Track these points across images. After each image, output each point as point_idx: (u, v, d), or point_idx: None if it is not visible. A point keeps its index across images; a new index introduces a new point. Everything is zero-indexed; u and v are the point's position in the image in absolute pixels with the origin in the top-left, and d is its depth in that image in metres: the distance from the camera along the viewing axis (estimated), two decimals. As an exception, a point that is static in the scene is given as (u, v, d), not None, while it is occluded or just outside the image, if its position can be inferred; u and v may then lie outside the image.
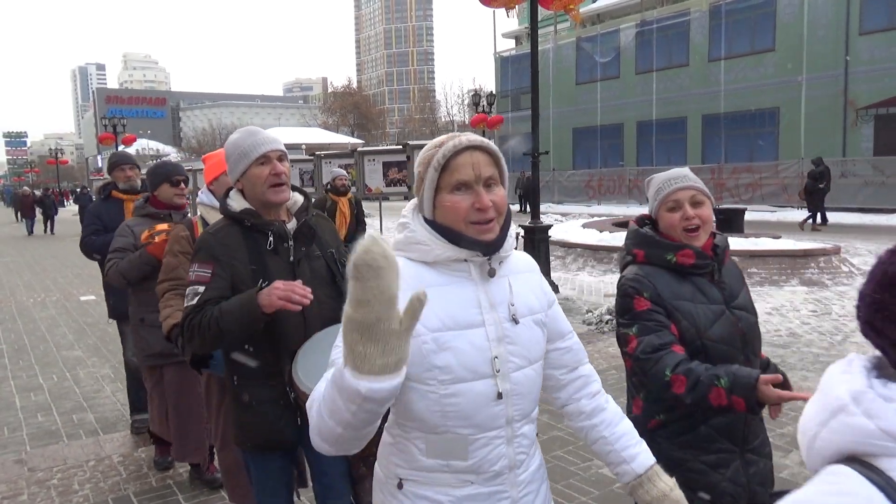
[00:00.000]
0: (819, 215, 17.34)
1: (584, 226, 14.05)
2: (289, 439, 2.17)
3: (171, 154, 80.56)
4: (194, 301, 2.04)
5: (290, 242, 2.15)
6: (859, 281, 9.20)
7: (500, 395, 1.37)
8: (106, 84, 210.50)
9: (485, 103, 27.36)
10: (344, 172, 7.71)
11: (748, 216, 15.17)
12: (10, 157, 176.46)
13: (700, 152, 26.20)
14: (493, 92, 31.00)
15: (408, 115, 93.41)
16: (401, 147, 12.55)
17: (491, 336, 1.38)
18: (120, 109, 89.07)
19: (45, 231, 24.74)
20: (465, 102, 51.82)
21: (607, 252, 11.14)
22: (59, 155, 50.45)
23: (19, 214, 29.68)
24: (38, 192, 30.11)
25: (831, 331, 6.74)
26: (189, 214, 3.55)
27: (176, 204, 3.67)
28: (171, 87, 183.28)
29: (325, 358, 1.68)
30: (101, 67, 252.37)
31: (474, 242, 1.38)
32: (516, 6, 9.45)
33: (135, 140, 41.23)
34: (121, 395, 5.40)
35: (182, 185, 3.67)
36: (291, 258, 2.14)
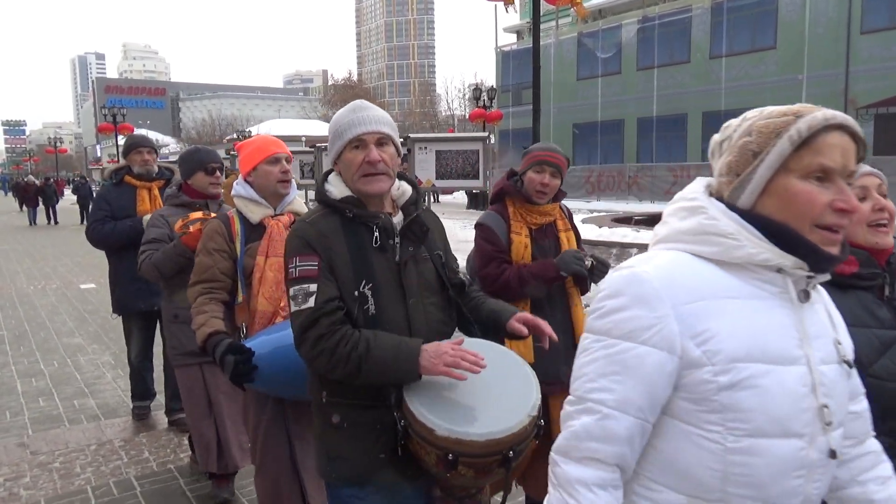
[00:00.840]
0: None
1: (584, 221, 14.09)
2: (386, 472, 1.78)
3: (171, 144, 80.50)
4: (310, 303, 1.68)
5: (397, 240, 1.81)
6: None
7: (814, 464, 1.06)
8: (105, 74, 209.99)
9: (485, 98, 27.36)
10: None
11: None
12: (9, 146, 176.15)
13: (700, 149, 26.22)
14: (494, 86, 31.00)
15: (408, 109, 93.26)
16: (402, 140, 12.59)
17: (808, 380, 1.05)
18: (119, 99, 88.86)
19: (49, 221, 24.16)
20: (466, 97, 51.77)
21: (606, 247, 11.19)
22: (58, 144, 50.46)
23: (22, 205, 28.59)
24: (37, 182, 28.79)
25: (827, 327, 6.79)
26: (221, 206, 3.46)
27: (211, 193, 3.41)
28: (171, 78, 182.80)
29: (443, 384, 1.65)
30: (100, 57, 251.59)
31: (815, 252, 1.04)
32: (516, 0, 9.47)
33: (133, 130, 41.17)
34: (122, 381, 5.44)
35: (217, 172, 3.40)
36: (398, 258, 1.81)
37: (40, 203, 24.72)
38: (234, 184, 2.63)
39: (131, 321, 4.44)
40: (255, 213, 2.57)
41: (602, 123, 29.31)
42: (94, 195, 4.47)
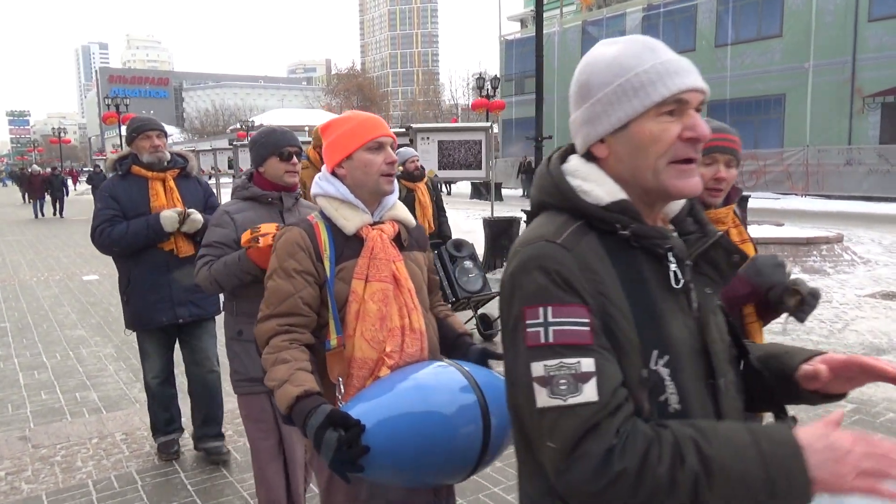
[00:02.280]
0: None
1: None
2: None
3: (175, 135, 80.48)
4: (587, 395, 0.95)
5: (687, 276, 1.11)
6: (861, 269, 9.23)
7: None
8: (109, 63, 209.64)
9: (489, 87, 27.22)
10: (415, 152, 6.16)
11: (751, 203, 15.14)
12: (14, 136, 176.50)
13: (705, 138, 26.07)
14: (498, 76, 30.84)
15: (412, 98, 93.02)
16: (404, 130, 12.51)
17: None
18: (123, 89, 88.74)
19: (55, 214, 23.05)
20: (470, 86, 51.56)
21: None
22: (62, 134, 50.45)
23: (27, 196, 27.16)
24: (41, 171, 26.96)
25: (832, 318, 6.75)
26: (289, 201, 2.81)
27: (286, 183, 2.77)
28: (174, 68, 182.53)
29: None
30: (104, 47, 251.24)
31: None
32: None
33: (137, 120, 41.11)
34: (123, 374, 5.44)
35: (294, 158, 2.75)
36: (695, 307, 1.11)
37: (47, 195, 23.49)
38: (317, 179, 1.96)
39: (149, 338, 3.71)
40: (351, 221, 1.89)
41: (606, 112, 29.11)
42: (97, 191, 3.74)
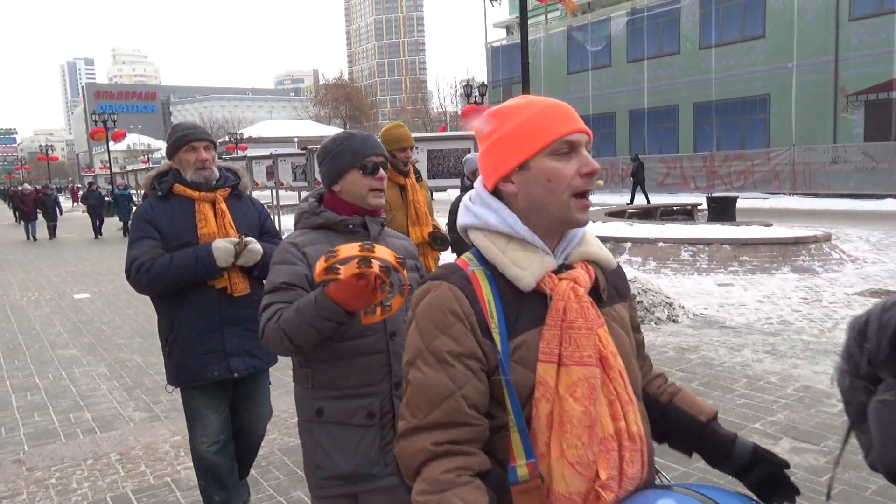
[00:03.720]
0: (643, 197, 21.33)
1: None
2: None
3: (163, 149, 79.97)
4: None
5: None
6: (850, 267, 9.32)
7: None
8: (95, 79, 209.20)
9: (477, 94, 27.35)
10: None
11: (740, 203, 15.27)
12: (0, 155, 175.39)
13: (692, 140, 26.28)
14: (485, 82, 30.97)
15: (400, 106, 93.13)
16: (393, 140, 12.52)
17: None
18: (110, 105, 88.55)
19: (50, 236, 21.36)
20: (458, 93, 51.73)
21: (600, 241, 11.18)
22: (50, 151, 50.25)
23: (18, 215, 25.38)
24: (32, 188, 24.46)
25: (822, 318, 6.81)
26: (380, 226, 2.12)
27: (372, 205, 2.05)
28: (161, 82, 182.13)
29: None
30: (89, 62, 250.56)
31: None
32: None
33: (125, 135, 41.11)
34: (117, 393, 5.43)
35: (381, 171, 2.04)
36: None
37: (39, 215, 21.82)
38: (469, 203, 1.30)
39: (199, 395, 2.94)
40: (528, 269, 1.21)
41: (593, 116, 29.32)
42: (131, 217, 2.99)
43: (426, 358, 1.18)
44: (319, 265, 1.71)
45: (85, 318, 8.51)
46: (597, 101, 29.32)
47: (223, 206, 2.91)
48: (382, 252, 1.67)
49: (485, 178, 1.29)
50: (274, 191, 16.15)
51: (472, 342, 1.17)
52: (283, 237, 2.25)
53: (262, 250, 2.82)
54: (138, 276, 2.76)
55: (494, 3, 11.54)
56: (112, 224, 22.34)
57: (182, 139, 2.86)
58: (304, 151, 14.65)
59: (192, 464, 3.91)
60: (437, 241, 4.17)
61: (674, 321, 6.68)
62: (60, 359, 6.62)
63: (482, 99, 27.79)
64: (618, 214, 15.47)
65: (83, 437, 4.52)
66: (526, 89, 9.03)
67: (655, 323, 6.60)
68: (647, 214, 16.15)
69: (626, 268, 8.98)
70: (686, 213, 16.34)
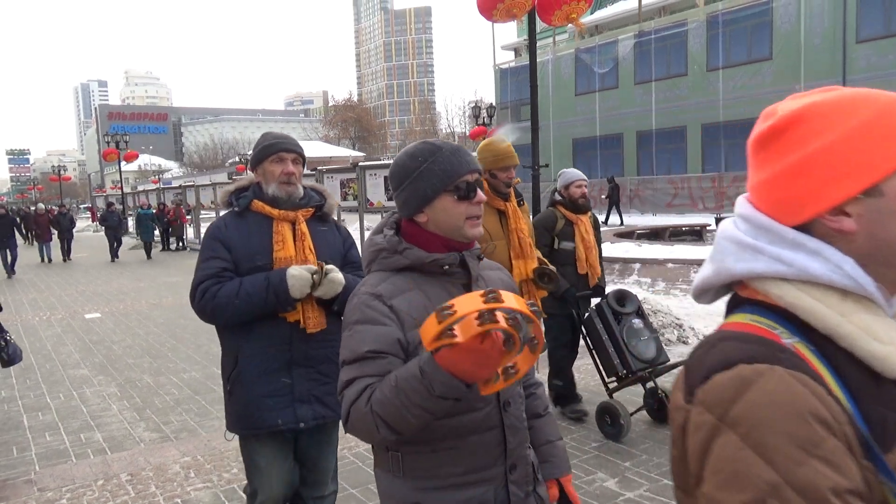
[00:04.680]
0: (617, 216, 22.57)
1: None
2: None
3: (174, 169, 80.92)
4: None
5: None
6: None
7: None
8: (108, 100, 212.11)
9: (485, 115, 27.56)
10: (582, 176, 4.84)
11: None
12: (14, 175, 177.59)
13: (700, 161, 26.30)
14: (493, 104, 31.21)
15: (408, 128, 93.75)
16: (402, 161, 12.61)
17: None
18: (122, 126, 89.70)
19: (64, 258, 20.45)
20: (466, 114, 52.09)
21: (609, 263, 11.18)
22: (62, 172, 50.81)
23: (31, 236, 24.08)
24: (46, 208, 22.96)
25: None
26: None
27: (468, 237, 1.58)
28: (173, 103, 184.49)
29: None
30: (103, 84, 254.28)
31: None
32: (523, 14, 9.43)
33: (137, 156, 41.58)
34: (127, 413, 5.44)
35: (479, 191, 1.58)
36: None
37: (54, 237, 20.72)
38: (739, 235, 0.90)
39: (261, 445, 2.54)
40: (893, 344, 0.79)
41: (601, 138, 29.42)
42: (204, 236, 2.64)
43: (789, 500, 0.70)
44: (431, 328, 1.22)
45: (96, 338, 8.56)
46: (604, 123, 29.44)
47: (304, 227, 2.56)
48: (510, 300, 1.21)
49: (785, 208, 0.85)
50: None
51: (853, 468, 0.72)
52: (359, 284, 1.61)
53: (343, 281, 2.47)
54: (202, 301, 2.42)
55: (515, 21, 11.64)
56: (124, 244, 22.33)
57: (270, 148, 2.55)
58: (313, 172, 14.77)
59: (201, 485, 3.93)
60: (543, 279, 3.63)
61: (683, 342, 6.66)
62: (71, 378, 6.65)
63: (490, 120, 27.98)
64: (626, 235, 15.47)
65: (94, 458, 4.54)
66: (534, 110, 9.13)
67: (665, 345, 6.57)
68: (656, 235, 16.14)
69: (635, 289, 8.96)
70: (695, 234, 16.32)
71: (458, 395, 1.32)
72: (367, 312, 1.49)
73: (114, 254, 19.88)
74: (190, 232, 24.01)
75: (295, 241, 2.52)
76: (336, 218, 2.75)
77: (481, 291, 1.22)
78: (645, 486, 3.72)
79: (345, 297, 2.39)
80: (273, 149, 2.53)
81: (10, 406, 5.84)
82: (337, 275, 2.45)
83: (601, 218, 23.08)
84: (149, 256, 20.18)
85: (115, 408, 5.64)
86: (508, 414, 1.57)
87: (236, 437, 2.62)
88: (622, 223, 21.31)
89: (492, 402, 1.55)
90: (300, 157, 2.58)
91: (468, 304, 1.21)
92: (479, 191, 1.57)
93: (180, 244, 22.81)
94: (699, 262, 9.99)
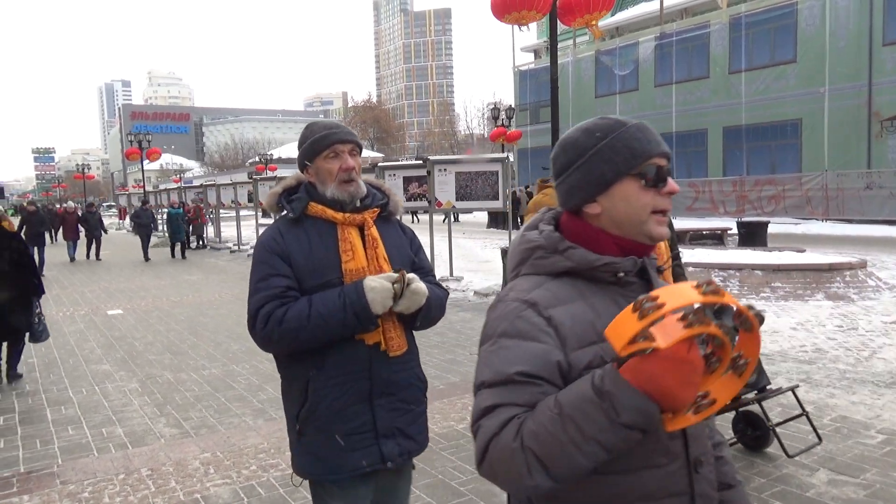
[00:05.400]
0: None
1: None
2: None
3: (195, 169, 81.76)
4: None
5: None
6: (887, 295, 9.10)
7: None
8: (131, 100, 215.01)
9: (504, 117, 27.52)
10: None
11: (771, 228, 15.04)
12: (39, 173, 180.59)
13: (721, 164, 26.04)
14: (513, 105, 31.16)
15: (427, 129, 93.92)
16: (421, 162, 12.65)
17: None
18: (145, 125, 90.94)
19: (92, 256, 19.70)
20: (485, 116, 52.09)
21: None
22: (86, 170, 51.59)
23: (59, 235, 23.15)
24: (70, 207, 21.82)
25: (858, 346, 6.65)
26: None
27: (653, 238, 1.27)
28: (195, 103, 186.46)
29: None
30: (126, 84, 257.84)
31: None
32: (531, 22, 9.48)
33: (160, 154, 42.13)
34: (148, 408, 5.50)
35: (671, 181, 1.29)
36: None
37: (81, 235, 19.96)
38: None
39: (338, 492, 2.11)
40: None
41: (621, 140, 29.21)
42: (254, 251, 2.12)
43: None
44: (626, 327, 0.95)
45: (118, 334, 8.66)
46: (625, 125, 29.26)
47: (374, 231, 2.12)
48: (730, 297, 0.96)
49: None
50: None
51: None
52: (506, 289, 1.28)
53: (427, 292, 2.07)
54: (267, 329, 1.97)
55: (523, 28, 11.67)
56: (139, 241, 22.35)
57: (322, 141, 2.07)
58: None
59: (221, 481, 3.95)
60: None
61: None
62: (94, 374, 6.74)
63: (509, 122, 27.94)
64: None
65: (115, 452, 4.58)
66: (554, 112, 9.11)
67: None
68: (677, 239, 15.98)
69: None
70: (716, 238, 16.13)
71: (649, 425, 1.01)
72: (518, 324, 1.17)
73: (147, 253, 19.11)
74: (210, 231, 24.21)
75: (366, 248, 2.10)
76: (400, 218, 2.34)
77: (695, 282, 0.98)
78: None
79: (428, 311, 2.09)
80: (326, 141, 2.07)
81: (34, 400, 5.92)
82: (420, 284, 2.06)
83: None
84: (183, 256, 19.50)
85: (136, 403, 5.70)
86: (700, 477, 1.21)
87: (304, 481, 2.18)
88: None
89: (679, 456, 1.19)
90: (357, 147, 2.13)
91: (680, 295, 0.94)
92: (670, 179, 1.27)
93: (200, 242, 23.00)
94: (720, 267, 9.88)
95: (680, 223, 20.80)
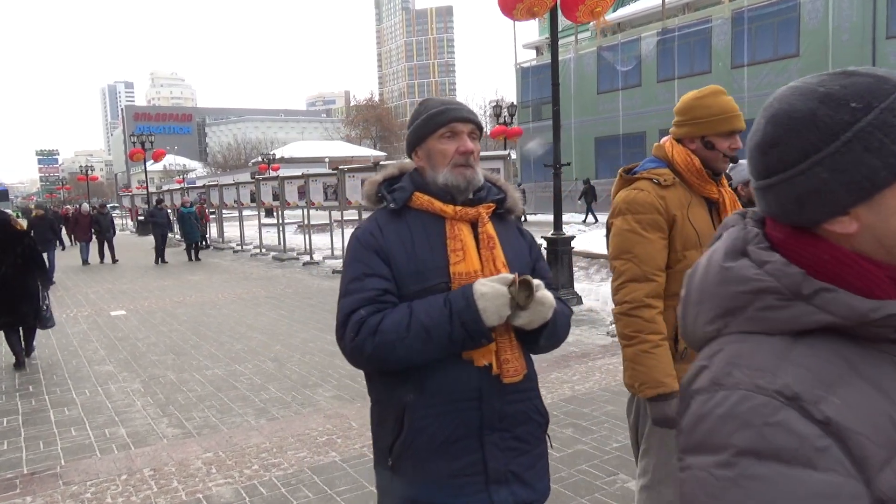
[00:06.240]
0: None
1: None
2: None
3: (198, 169, 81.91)
4: None
5: None
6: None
7: None
8: (134, 101, 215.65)
9: (506, 114, 27.48)
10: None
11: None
12: (43, 175, 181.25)
13: (724, 160, 25.99)
14: (515, 102, 31.12)
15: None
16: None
17: None
18: (148, 126, 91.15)
19: (105, 259, 19.08)
20: (487, 113, 52.10)
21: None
22: (90, 172, 51.72)
23: (72, 238, 22.95)
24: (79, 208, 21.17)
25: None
26: None
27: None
28: (197, 104, 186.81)
29: None
30: (129, 85, 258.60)
31: None
32: (545, 12, 9.34)
33: (165, 154, 42.18)
34: (151, 409, 5.51)
35: None
36: None
37: (93, 237, 19.12)
38: None
39: None
40: None
41: (624, 136, 29.17)
42: (348, 244, 1.77)
43: None
44: None
45: (121, 335, 8.68)
46: (627, 121, 29.20)
47: (490, 228, 1.77)
48: None
49: None
50: (305, 210, 16.40)
51: None
52: (721, 363, 0.77)
53: (554, 303, 1.71)
54: (359, 339, 1.63)
55: (538, 18, 11.50)
56: (147, 242, 22.29)
57: (438, 117, 1.74)
58: (335, 171, 14.86)
59: (223, 481, 3.97)
60: None
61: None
62: (97, 374, 6.75)
63: (511, 119, 27.90)
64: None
65: (118, 453, 4.59)
66: (556, 111, 9.07)
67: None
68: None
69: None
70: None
71: None
72: (774, 437, 0.67)
73: (161, 255, 18.19)
74: (213, 230, 24.25)
75: (479, 248, 1.73)
76: (519, 217, 1.95)
77: None
78: (667, 488, 3.67)
79: (554, 329, 1.73)
80: (442, 118, 1.74)
81: (38, 401, 5.94)
82: (546, 293, 1.67)
83: (579, 218, 24.22)
84: (197, 257, 18.76)
85: (138, 404, 5.71)
86: None
87: None
88: (596, 221, 23.78)
89: None
90: (478, 129, 1.79)
91: None
92: None
93: (203, 242, 23.04)
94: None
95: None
